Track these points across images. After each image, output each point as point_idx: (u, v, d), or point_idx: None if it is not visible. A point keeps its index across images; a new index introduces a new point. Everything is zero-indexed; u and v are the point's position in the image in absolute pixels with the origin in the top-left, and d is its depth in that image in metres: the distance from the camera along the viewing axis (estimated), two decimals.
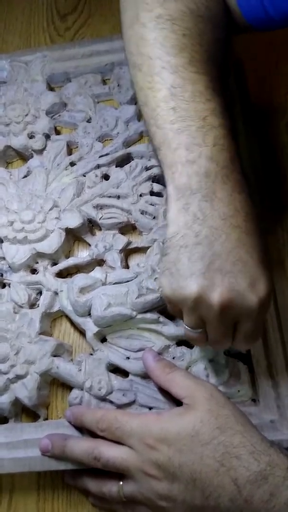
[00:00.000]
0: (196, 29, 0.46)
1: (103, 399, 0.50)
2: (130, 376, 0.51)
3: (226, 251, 0.39)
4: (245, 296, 0.39)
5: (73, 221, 0.58)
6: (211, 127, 0.42)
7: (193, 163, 0.41)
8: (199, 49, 0.46)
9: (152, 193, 0.59)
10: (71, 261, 0.58)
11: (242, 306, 0.39)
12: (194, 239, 0.40)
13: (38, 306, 0.56)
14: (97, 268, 0.56)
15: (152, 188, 0.59)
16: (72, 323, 0.56)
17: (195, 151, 0.41)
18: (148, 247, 0.56)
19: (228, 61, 0.53)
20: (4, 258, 0.58)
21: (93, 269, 0.56)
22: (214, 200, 0.40)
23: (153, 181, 0.60)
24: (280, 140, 0.65)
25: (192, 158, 0.41)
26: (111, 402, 0.50)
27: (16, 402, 0.52)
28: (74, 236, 0.60)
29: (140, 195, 0.59)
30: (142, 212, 0.58)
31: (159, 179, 0.61)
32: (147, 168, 0.61)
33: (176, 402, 0.47)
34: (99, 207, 0.59)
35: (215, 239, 0.40)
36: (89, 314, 0.53)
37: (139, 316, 0.51)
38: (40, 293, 0.57)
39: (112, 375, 0.51)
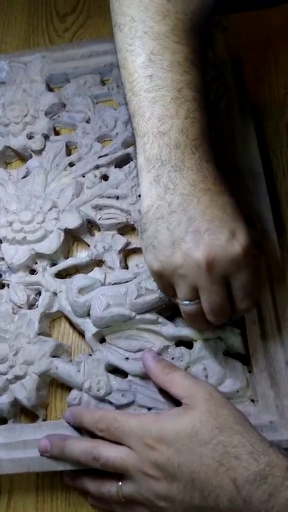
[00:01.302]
0: None
1: (102, 399, 0.50)
2: (129, 377, 0.51)
3: (200, 212, 0.41)
4: (227, 248, 0.40)
5: (72, 221, 0.58)
6: (185, 100, 0.43)
7: (164, 134, 0.42)
8: (183, 17, 0.45)
9: None
10: (70, 262, 0.58)
11: (227, 257, 0.40)
12: (168, 209, 0.42)
13: (37, 307, 0.56)
14: (96, 269, 0.56)
15: None
16: (71, 324, 0.56)
17: (167, 122, 0.42)
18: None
19: (210, 31, 0.54)
20: (3, 259, 0.58)
21: (92, 270, 0.56)
22: (183, 170, 0.42)
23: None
24: (280, 140, 0.65)
25: (164, 130, 0.42)
26: (110, 402, 0.50)
27: (15, 402, 0.52)
28: (73, 237, 0.60)
29: (139, 196, 0.59)
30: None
31: None
32: None
33: (176, 402, 0.47)
34: (98, 207, 0.59)
35: (187, 204, 0.41)
36: (88, 315, 0.53)
37: (138, 316, 0.51)
38: (39, 293, 0.57)
39: (111, 376, 0.51)
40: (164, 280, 0.44)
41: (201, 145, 0.43)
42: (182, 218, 0.41)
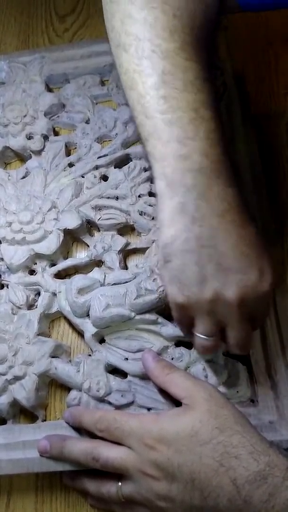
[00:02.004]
0: (187, 10, 0.44)
1: (101, 400, 0.50)
2: (129, 377, 0.51)
3: (230, 248, 0.40)
4: (258, 288, 0.40)
5: (72, 222, 0.58)
6: (203, 120, 0.41)
7: (186, 158, 0.40)
8: (190, 32, 0.43)
9: (150, 194, 0.59)
10: (69, 262, 0.58)
11: (257, 298, 0.41)
12: (197, 242, 0.40)
13: (36, 307, 0.56)
14: (96, 269, 0.56)
15: (150, 189, 0.59)
16: (71, 324, 0.56)
17: (188, 145, 0.40)
18: (146, 248, 0.56)
19: (216, 44, 0.51)
20: (2, 259, 0.58)
21: (91, 270, 0.56)
22: (210, 198, 0.40)
23: (151, 182, 0.60)
24: (280, 140, 0.65)
25: (185, 153, 0.40)
26: (109, 403, 0.50)
27: (14, 403, 0.51)
28: (72, 237, 0.60)
29: (139, 196, 0.59)
30: (141, 213, 0.58)
31: None
32: (145, 169, 0.61)
33: (176, 402, 0.47)
34: (98, 208, 0.59)
35: (217, 239, 0.40)
36: (88, 315, 0.53)
37: (138, 317, 0.51)
38: (38, 294, 0.57)
39: (111, 376, 0.51)
40: (185, 313, 0.43)
41: (224, 168, 0.41)
42: (213, 254, 0.40)
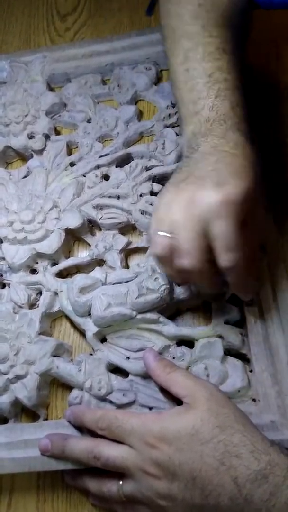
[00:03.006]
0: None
1: (103, 399, 0.50)
2: (130, 376, 0.51)
3: (207, 164, 0.45)
4: (209, 193, 0.42)
5: (73, 221, 0.58)
6: (216, 82, 0.48)
7: (197, 113, 0.48)
8: (212, 16, 0.52)
9: (152, 193, 0.59)
10: (71, 261, 0.58)
11: (206, 202, 0.42)
12: (185, 162, 0.47)
13: (38, 306, 0.56)
14: (97, 268, 0.56)
15: (152, 188, 0.59)
16: (72, 323, 0.56)
17: (199, 103, 0.48)
18: (148, 247, 0.56)
19: (248, 20, 0.58)
20: (4, 259, 0.58)
21: (93, 269, 0.56)
22: (209, 136, 0.46)
23: (153, 181, 0.60)
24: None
25: (197, 109, 0.48)
26: (111, 402, 0.50)
27: (16, 402, 0.52)
28: (74, 236, 0.61)
29: (140, 195, 0.59)
30: (142, 212, 0.58)
31: (159, 179, 0.61)
32: (147, 168, 0.61)
33: (177, 401, 0.47)
34: (99, 207, 0.59)
35: (201, 160, 0.45)
36: (89, 314, 0.53)
37: (139, 316, 0.51)
38: (40, 293, 0.57)
39: (112, 375, 0.51)
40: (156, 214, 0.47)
41: (231, 119, 0.47)
42: (191, 168, 0.46)
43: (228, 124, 0.46)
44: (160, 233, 0.45)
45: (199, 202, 0.42)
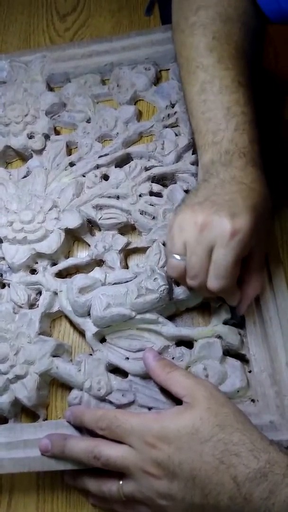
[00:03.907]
0: (224, 30, 0.54)
1: (102, 399, 0.50)
2: (130, 377, 0.51)
3: (224, 193, 0.47)
4: (222, 221, 0.45)
5: (73, 221, 0.58)
6: (234, 115, 0.50)
7: (216, 144, 0.50)
8: (227, 48, 0.53)
9: (151, 193, 0.59)
10: (70, 262, 0.58)
11: (217, 228, 0.45)
12: (203, 185, 0.49)
13: (37, 306, 0.56)
14: (97, 269, 0.56)
15: (151, 189, 0.59)
16: (72, 324, 0.56)
17: (219, 135, 0.50)
18: (147, 247, 0.56)
19: (262, 47, 0.61)
20: (3, 258, 0.58)
21: (92, 270, 0.56)
22: (229, 167, 0.48)
23: (152, 182, 0.60)
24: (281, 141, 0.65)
25: (216, 140, 0.50)
26: (110, 402, 0.50)
27: (16, 402, 0.52)
28: (73, 237, 0.61)
29: (140, 195, 0.59)
30: (142, 212, 0.58)
31: (158, 179, 0.61)
32: (146, 169, 0.61)
33: (176, 401, 0.47)
34: (99, 207, 0.60)
35: (220, 187, 0.48)
36: (89, 315, 0.53)
37: (139, 316, 0.51)
38: (39, 293, 0.57)
39: (112, 376, 0.51)
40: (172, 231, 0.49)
41: (250, 152, 0.49)
42: (209, 194, 0.48)
43: (248, 158, 0.48)
44: (175, 256, 0.49)
45: (211, 227, 0.45)
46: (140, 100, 0.69)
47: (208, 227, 0.46)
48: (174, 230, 0.49)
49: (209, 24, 0.55)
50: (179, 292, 0.53)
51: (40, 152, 0.65)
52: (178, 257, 0.49)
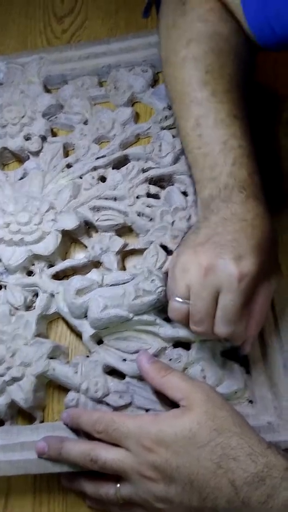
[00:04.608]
0: (217, 64, 0.53)
1: (99, 401, 0.50)
2: (127, 378, 0.51)
3: (226, 232, 0.46)
4: (228, 265, 0.44)
5: (70, 223, 0.58)
6: (231, 149, 0.49)
7: (215, 179, 0.49)
8: (221, 81, 0.52)
9: (148, 195, 0.59)
10: (67, 263, 0.58)
11: (223, 272, 0.44)
12: (204, 224, 0.48)
13: (34, 308, 0.56)
14: (94, 270, 0.56)
15: (148, 190, 0.59)
16: (69, 325, 0.56)
17: (217, 170, 0.49)
18: (144, 249, 0.56)
19: (253, 79, 0.59)
20: (0, 260, 0.58)
21: (89, 271, 0.56)
22: (229, 202, 0.47)
23: (149, 183, 0.60)
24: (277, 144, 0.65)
25: (214, 176, 0.49)
26: (107, 404, 0.50)
27: (12, 404, 0.51)
28: (70, 238, 0.60)
29: (137, 197, 0.59)
30: (139, 214, 0.58)
31: (155, 181, 0.61)
32: (143, 170, 0.61)
33: (173, 404, 0.47)
34: (96, 209, 0.59)
35: (221, 225, 0.46)
36: (86, 316, 0.53)
37: (136, 318, 0.51)
38: (36, 295, 0.57)
39: (109, 377, 0.51)
40: (172, 271, 0.49)
41: (249, 186, 0.47)
42: (211, 233, 0.46)
43: (248, 192, 0.47)
44: (177, 299, 0.47)
45: (216, 271, 0.44)
46: (137, 102, 0.69)
47: (213, 270, 0.44)
48: (176, 271, 0.47)
49: (201, 58, 0.53)
50: None
51: (37, 153, 0.65)
52: (180, 300, 0.47)
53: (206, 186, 0.49)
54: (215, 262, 0.44)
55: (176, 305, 0.47)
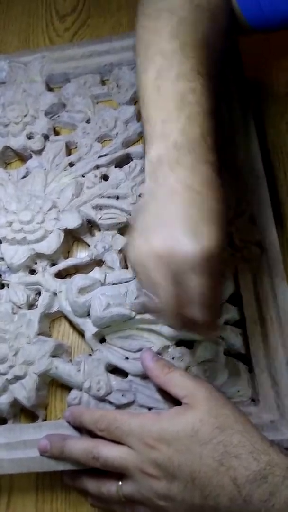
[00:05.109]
0: (192, 17, 0.49)
1: (102, 399, 0.50)
2: (129, 377, 0.51)
3: (176, 207, 0.40)
4: (185, 243, 0.38)
5: (72, 221, 0.58)
6: (188, 104, 0.44)
7: (165, 136, 0.44)
8: (192, 36, 0.48)
9: None
10: (70, 262, 0.58)
11: (181, 252, 0.38)
12: (152, 201, 0.43)
13: (37, 307, 0.56)
14: (96, 269, 0.56)
15: None
16: (71, 324, 0.56)
17: (168, 126, 0.44)
18: None
19: (230, 50, 0.57)
20: (2, 259, 0.58)
21: (92, 270, 0.56)
22: (175, 168, 0.42)
23: None
24: (280, 139, 0.65)
25: (166, 132, 0.44)
26: (110, 402, 0.50)
27: (15, 403, 0.51)
28: (73, 237, 0.60)
29: (139, 196, 0.59)
30: None
31: None
32: None
33: (176, 402, 0.47)
34: (98, 207, 0.59)
35: (168, 198, 0.41)
36: (88, 315, 0.53)
37: (138, 316, 0.51)
38: (39, 293, 0.57)
39: (111, 376, 0.51)
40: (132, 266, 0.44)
41: (200, 147, 0.43)
42: (159, 209, 0.42)
43: (197, 154, 0.42)
44: (146, 293, 0.43)
45: (173, 255, 0.39)
46: None
47: (170, 253, 0.39)
48: (136, 266, 0.42)
49: (177, 9, 0.50)
50: None
51: (39, 152, 0.65)
52: (149, 293, 0.42)
53: (155, 144, 0.45)
54: (168, 245, 0.39)
55: (145, 299, 0.43)
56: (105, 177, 0.62)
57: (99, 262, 0.58)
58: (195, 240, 0.38)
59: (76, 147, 0.66)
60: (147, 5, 0.53)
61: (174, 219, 0.40)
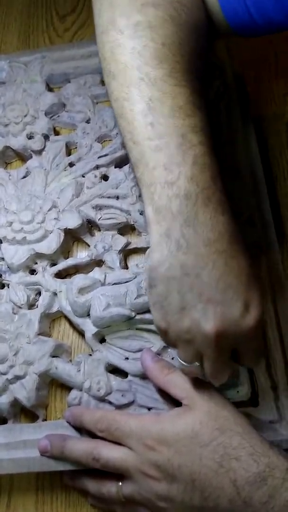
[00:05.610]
0: (176, 37, 0.44)
1: (102, 399, 0.50)
2: (129, 377, 0.51)
3: (214, 279, 0.38)
4: (239, 323, 0.38)
5: (72, 221, 0.58)
6: (191, 145, 0.40)
7: (172, 184, 0.39)
8: (180, 60, 0.43)
9: None
10: (70, 262, 0.58)
11: (237, 333, 0.38)
12: (181, 270, 0.38)
13: (37, 307, 0.56)
14: (96, 269, 0.56)
15: None
16: (71, 324, 0.56)
17: (174, 171, 0.39)
18: (147, 248, 0.56)
19: (209, 68, 0.51)
20: (3, 259, 0.58)
21: (92, 270, 0.56)
22: (197, 225, 0.38)
23: None
24: (279, 140, 0.65)
25: (171, 179, 0.39)
26: (110, 402, 0.50)
27: (15, 402, 0.51)
28: (73, 237, 0.60)
29: (139, 196, 0.59)
30: (141, 213, 0.58)
31: None
32: None
33: (175, 402, 0.47)
34: (98, 207, 0.59)
35: (202, 268, 0.38)
36: (88, 315, 0.53)
37: (138, 316, 0.51)
38: (39, 293, 0.57)
39: (111, 376, 0.51)
40: (169, 339, 0.42)
41: (214, 194, 0.39)
42: (195, 283, 0.38)
43: (214, 204, 0.39)
44: (185, 364, 0.43)
45: (229, 334, 0.38)
46: None
47: (226, 334, 0.38)
48: (179, 342, 0.41)
49: (158, 26, 0.43)
50: None
51: (39, 152, 0.65)
52: (187, 364, 0.42)
53: (161, 193, 0.39)
54: (225, 326, 0.38)
55: (186, 369, 0.43)
56: (105, 177, 0.62)
57: (99, 262, 0.58)
58: (248, 316, 0.38)
59: (76, 147, 0.66)
60: (116, 19, 0.45)
61: (219, 296, 0.38)
